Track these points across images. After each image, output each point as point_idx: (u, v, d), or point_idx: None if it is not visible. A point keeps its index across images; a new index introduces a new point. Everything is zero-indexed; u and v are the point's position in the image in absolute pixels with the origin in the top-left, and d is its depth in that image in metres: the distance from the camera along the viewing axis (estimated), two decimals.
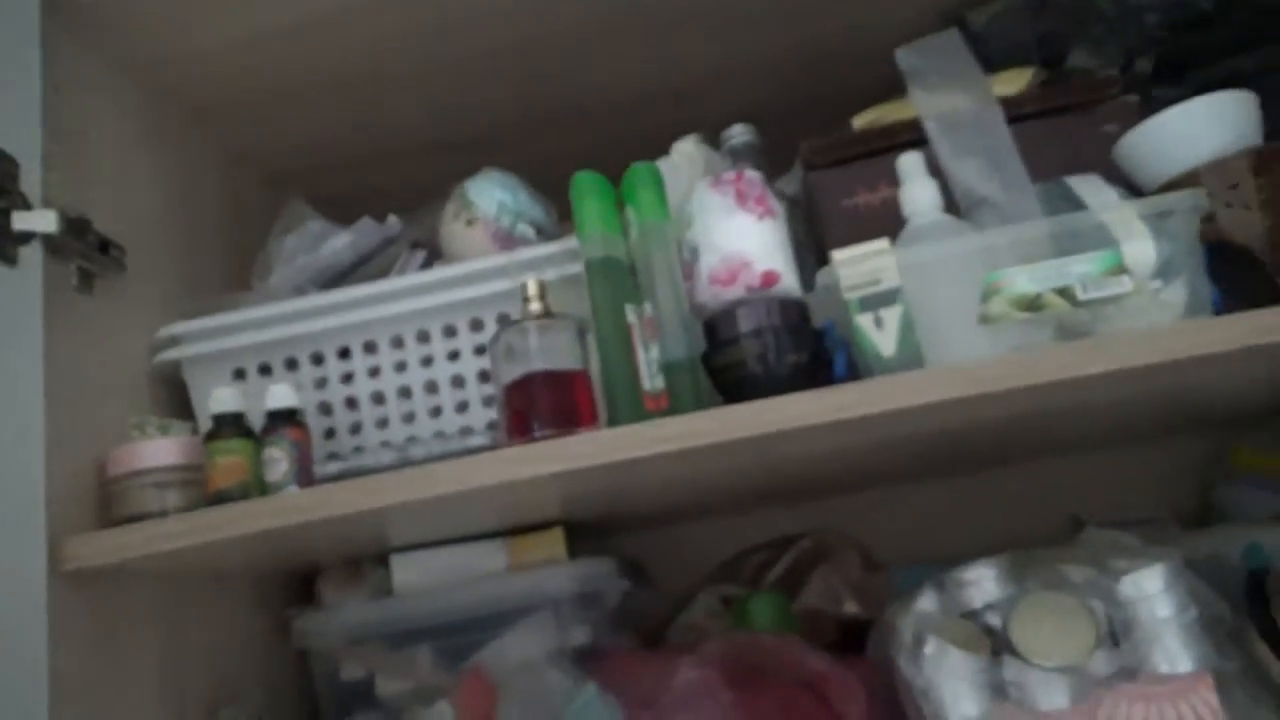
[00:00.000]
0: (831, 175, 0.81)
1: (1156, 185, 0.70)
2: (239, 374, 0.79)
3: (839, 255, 0.63)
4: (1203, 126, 0.68)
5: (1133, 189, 0.73)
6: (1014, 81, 0.81)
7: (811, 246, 0.84)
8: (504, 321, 0.76)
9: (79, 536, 0.64)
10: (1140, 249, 0.60)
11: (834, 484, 1.11)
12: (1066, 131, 0.78)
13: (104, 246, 0.73)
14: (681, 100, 0.99)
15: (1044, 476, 1.15)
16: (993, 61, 0.95)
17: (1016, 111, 0.78)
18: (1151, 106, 0.73)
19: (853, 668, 0.81)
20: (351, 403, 0.79)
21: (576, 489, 0.70)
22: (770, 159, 0.89)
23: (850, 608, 1.08)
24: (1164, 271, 0.60)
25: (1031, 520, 1.10)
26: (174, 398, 0.81)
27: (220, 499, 0.66)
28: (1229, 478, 1.06)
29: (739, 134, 0.86)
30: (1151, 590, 0.60)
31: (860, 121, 0.85)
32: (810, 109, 0.97)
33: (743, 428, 0.59)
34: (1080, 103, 0.79)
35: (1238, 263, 0.66)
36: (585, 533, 1.05)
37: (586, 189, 0.68)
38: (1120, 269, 0.60)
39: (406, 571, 0.89)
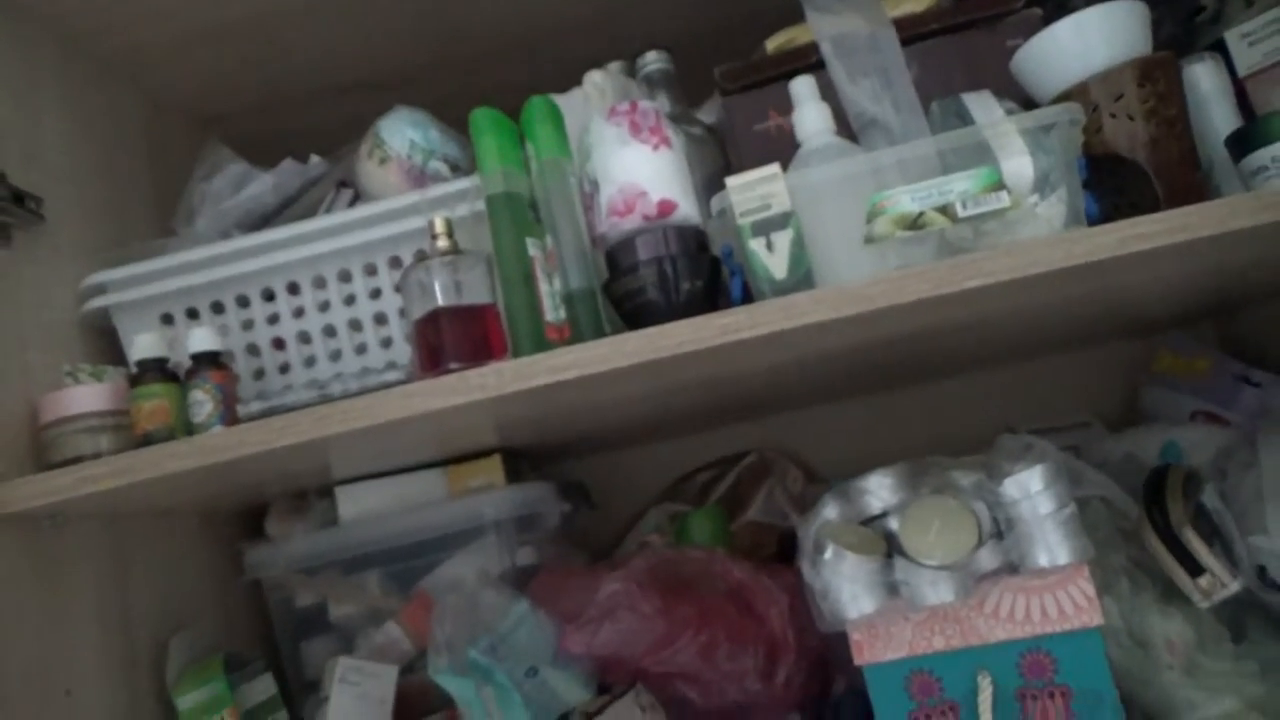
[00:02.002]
0: (744, 100, 0.82)
1: (1051, 98, 0.71)
2: (167, 319, 0.80)
3: (731, 181, 0.65)
4: (1094, 38, 0.69)
5: (1030, 103, 0.74)
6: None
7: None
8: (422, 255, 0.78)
9: (10, 482, 0.67)
10: (1018, 164, 0.62)
11: (775, 402, 1.14)
12: (972, 48, 0.79)
13: (19, 198, 0.74)
14: (597, 30, 0.99)
15: (978, 387, 1.19)
16: None
17: (921, 29, 0.79)
18: (1063, 15, 0.74)
19: (778, 576, 0.85)
20: (279, 343, 0.81)
21: (491, 418, 0.73)
22: (697, 86, 0.90)
23: (793, 520, 1.12)
24: (1042, 185, 0.62)
25: (967, 429, 1.13)
26: (108, 344, 0.83)
27: (146, 441, 0.69)
28: (1152, 381, 1.09)
29: (653, 61, 0.87)
30: (1033, 489, 0.63)
31: (773, 44, 0.85)
32: (731, 33, 0.97)
33: (636, 353, 0.62)
34: (984, 18, 0.79)
35: (1123, 173, 0.67)
36: (533, 458, 1.09)
37: (485, 126, 0.69)
38: (999, 185, 0.61)
39: (351, 502, 0.92)
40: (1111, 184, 0.67)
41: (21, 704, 0.66)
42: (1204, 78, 0.76)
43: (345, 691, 0.81)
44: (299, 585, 0.93)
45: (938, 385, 1.20)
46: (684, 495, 1.18)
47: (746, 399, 1.05)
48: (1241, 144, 0.68)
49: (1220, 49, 0.81)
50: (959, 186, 0.61)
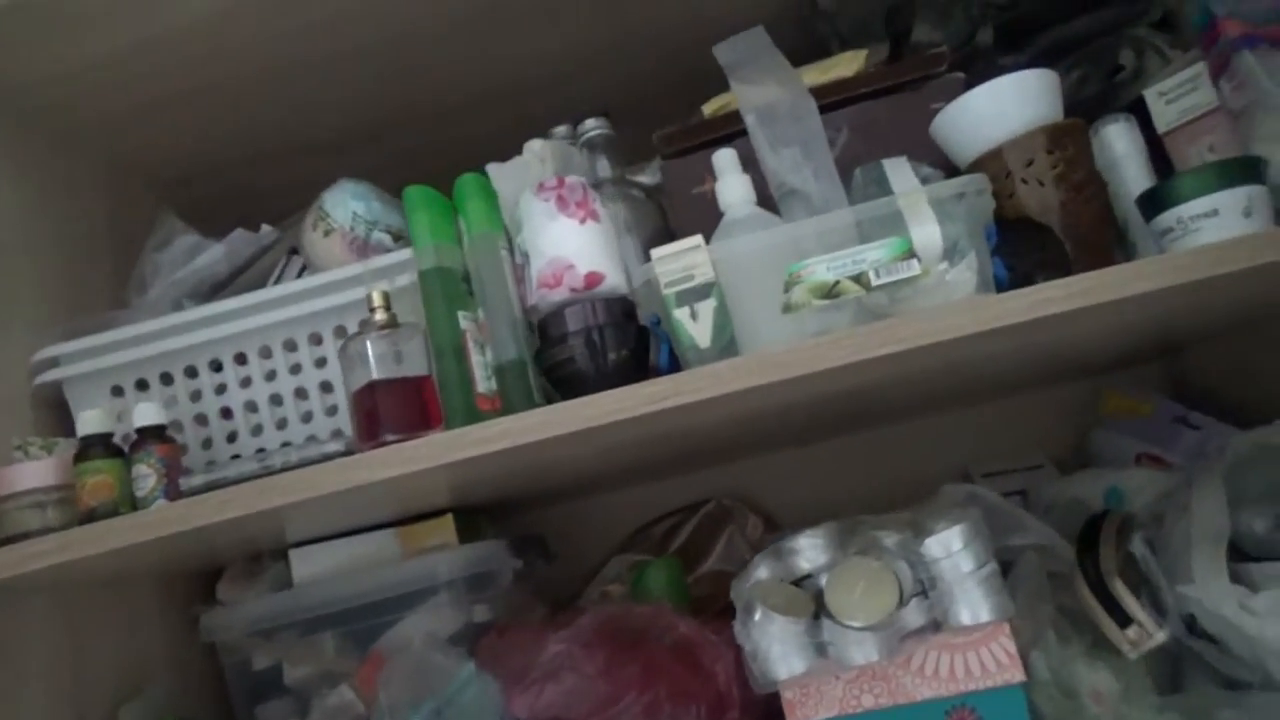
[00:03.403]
0: (681, 164, 0.84)
1: (969, 162, 0.74)
2: (117, 391, 0.82)
3: (656, 253, 0.67)
4: (1007, 105, 0.71)
5: (951, 167, 0.76)
6: (851, 64, 0.84)
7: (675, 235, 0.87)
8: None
9: None
10: (928, 233, 0.64)
11: (733, 450, 1.16)
12: (899, 111, 0.81)
13: None
14: (552, 90, 1.02)
15: (935, 430, 1.20)
16: (844, 38, 0.98)
17: (850, 93, 0.81)
18: (993, 77, 0.76)
19: (724, 630, 0.86)
20: (226, 412, 0.82)
21: (437, 483, 0.74)
22: (637, 148, 0.92)
23: None
24: (951, 253, 0.64)
25: (924, 472, 1.14)
26: (61, 415, 0.84)
27: (89, 518, 0.70)
28: (1100, 423, 1.11)
29: (594, 127, 0.89)
30: (954, 548, 0.65)
31: (710, 108, 0.87)
32: (670, 96, 1.00)
33: (565, 423, 0.63)
34: (909, 80, 0.82)
35: (1036, 237, 0.69)
36: (492, 512, 1.10)
37: (417, 203, 0.71)
38: (909, 253, 0.63)
39: (305, 564, 0.93)
40: (1025, 248, 0.69)
41: None
42: (1118, 139, 0.78)
43: None
44: (255, 648, 0.93)
45: (894, 428, 1.22)
46: (644, 544, 1.20)
47: (697, 450, 1.06)
48: (1151, 205, 0.70)
49: (1140, 107, 0.83)
50: (872, 255, 0.64)
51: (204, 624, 0.92)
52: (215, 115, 0.97)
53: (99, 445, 0.73)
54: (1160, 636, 0.71)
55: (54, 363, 0.81)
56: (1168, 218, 0.69)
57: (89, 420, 0.73)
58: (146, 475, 0.72)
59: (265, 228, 0.91)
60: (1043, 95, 0.72)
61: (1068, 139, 0.70)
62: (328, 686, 0.91)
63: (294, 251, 0.93)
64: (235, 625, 0.92)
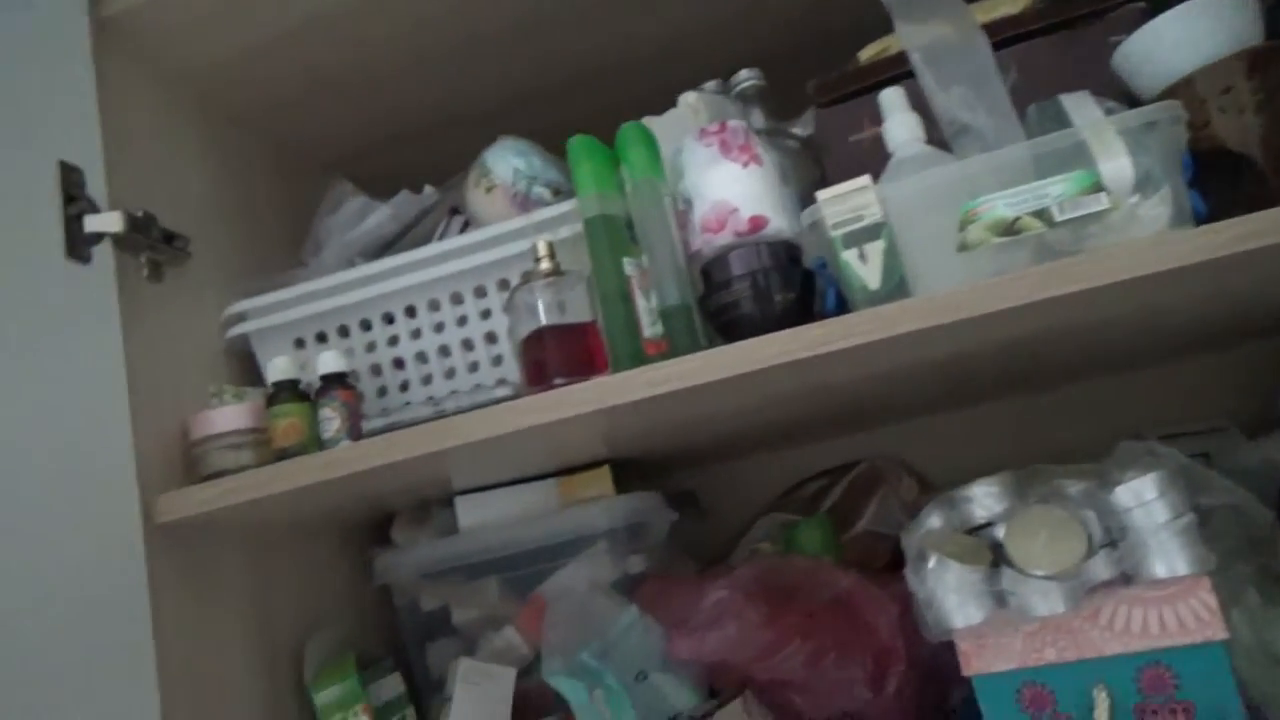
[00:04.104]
0: (838, 112, 0.82)
1: (1155, 94, 0.69)
2: (299, 343, 0.87)
3: (822, 194, 0.66)
4: (1199, 30, 0.67)
5: (1136, 101, 0.72)
6: (1016, 0, 0.80)
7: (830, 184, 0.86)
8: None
9: (166, 494, 0.74)
10: (1117, 165, 0.60)
11: (886, 411, 1.13)
12: (1074, 46, 0.77)
13: (169, 238, 0.81)
14: (691, 54, 1.01)
15: (1102, 394, 1.14)
16: None
17: (1019, 30, 0.77)
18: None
19: (887, 585, 0.85)
20: (399, 363, 0.86)
21: (597, 431, 0.76)
22: (793, 100, 0.91)
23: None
24: (1144, 185, 0.60)
25: (1091, 436, 1.08)
26: (249, 367, 0.90)
27: (282, 456, 0.75)
28: None
29: (746, 79, 0.88)
30: (1147, 497, 0.61)
31: (866, 55, 0.85)
32: (823, 47, 0.97)
33: (731, 366, 0.63)
34: (1084, 15, 0.77)
35: (1232, 169, 0.65)
36: (643, 470, 1.11)
37: (581, 153, 0.72)
38: (1097, 187, 0.60)
39: (469, 512, 0.97)
40: (1221, 182, 0.64)
41: (178, 695, 0.73)
42: None
43: (467, 692, 0.85)
44: (423, 590, 0.98)
45: (1059, 391, 1.16)
46: (794, 505, 1.19)
47: (854, 409, 1.04)
48: None
49: None
50: (1055, 190, 0.61)
51: (377, 566, 0.97)
52: (371, 97, 1.01)
53: (288, 390, 0.77)
54: None
55: (242, 317, 0.87)
56: None
57: (278, 367, 0.78)
58: (331, 418, 0.76)
59: (427, 189, 0.95)
60: (1238, 19, 0.67)
61: (1271, 63, 0.65)
62: (493, 629, 0.94)
63: (455, 211, 0.96)
64: (405, 568, 0.96)
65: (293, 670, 0.86)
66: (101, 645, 0.68)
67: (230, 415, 0.79)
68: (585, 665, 0.75)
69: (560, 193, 0.85)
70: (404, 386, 0.86)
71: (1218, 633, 0.61)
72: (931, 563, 0.65)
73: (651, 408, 0.68)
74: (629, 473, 1.00)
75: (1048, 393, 1.17)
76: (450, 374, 0.85)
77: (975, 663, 0.66)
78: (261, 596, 0.85)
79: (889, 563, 1.07)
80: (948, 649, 0.82)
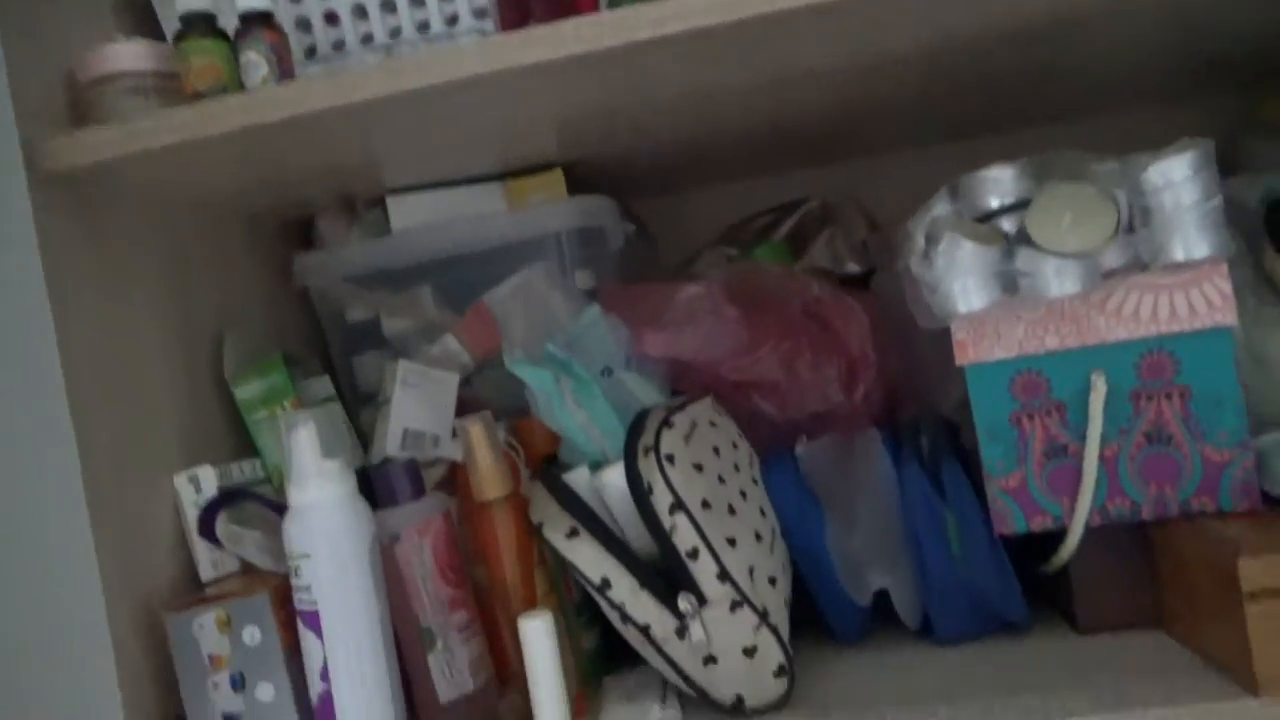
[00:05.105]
0: None
1: None
2: None
3: None
4: None
5: None
6: None
7: None
8: None
9: (56, 138, 0.61)
10: None
11: (841, 146, 1.08)
12: None
13: None
14: None
15: (1059, 140, 1.10)
16: None
17: None
18: None
19: (858, 297, 0.81)
20: (331, 18, 0.73)
21: (559, 106, 0.67)
22: None
23: (851, 267, 1.08)
24: None
25: None
26: (145, 17, 0.75)
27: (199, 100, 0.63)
28: (1250, 132, 1.02)
29: None
30: (1178, 177, 0.58)
31: None
32: None
33: (740, 7, 0.55)
34: None
35: None
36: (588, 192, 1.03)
37: None
38: None
39: (403, 213, 0.87)
40: None
41: (84, 371, 0.63)
42: None
43: (407, 394, 0.78)
44: (350, 298, 0.89)
45: (1014, 135, 1.13)
46: (740, 239, 1.13)
47: (813, 139, 0.98)
48: None
49: None
50: None
51: (298, 266, 0.88)
52: None
53: (202, 24, 0.64)
54: None
55: None
56: None
57: None
58: (256, 63, 0.64)
59: None
60: None
61: None
62: (427, 340, 0.87)
63: None
64: (330, 269, 0.87)
65: (214, 365, 0.77)
66: None
67: (130, 53, 0.66)
68: (551, 355, 0.69)
69: None
70: (338, 46, 0.74)
71: (1228, 317, 0.59)
72: (944, 242, 0.60)
73: (638, 68, 0.60)
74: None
75: (1004, 135, 1.13)
76: (394, 33, 0.73)
77: (971, 351, 0.63)
78: (174, 278, 0.75)
79: None
80: (907, 370, 0.80)
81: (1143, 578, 0.63)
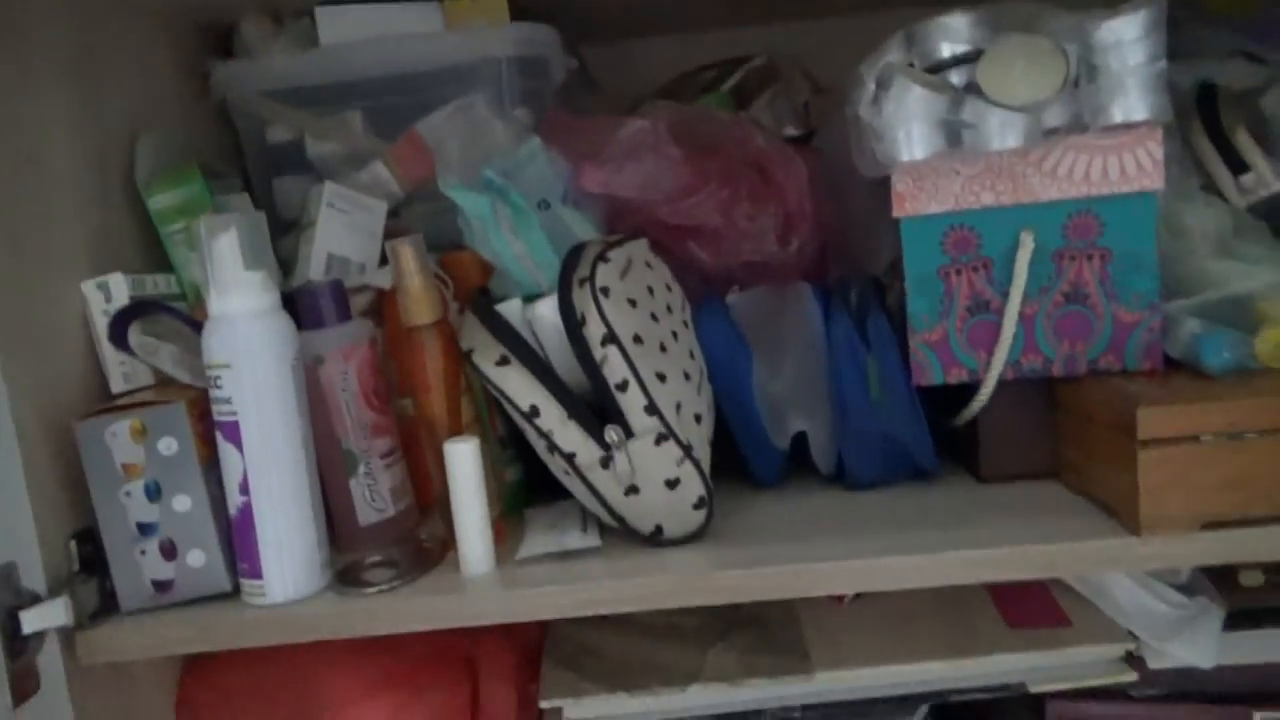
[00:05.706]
0: None
1: None
2: None
3: None
4: None
5: None
6: None
7: None
8: None
9: None
10: None
11: (794, 2, 1.05)
12: None
13: None
14: None
15: None
16: None
17: None
18: None
19: (799, 150, 0.81)
20: None
21: None
22: None
23: (790, 130, 1.07)
24: None
25: None
26: None
27: None
28: (1197, 18, 1.03)
29: None
30: (1128, 36, 0.58)
31: None
32: None
33: None
34: None
35: None
36: None
37: None
38: None
39: (333, 27, 0.82)
40: None
41: None
42: None
43: (333, 218, 0.76)
44: (272, 115, 0.84)
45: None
46: (684, 92, 1.11)
47: None
48: None
49: None
50: None
51: (216, 76, 0.82)
52: None
53: None
54: (1277, 186, 0.68)
55: None
56: None
57: None
58: None
59: None
60: None
61: None
62: (354, 166, 0.84)
63: None
64: (250, 81, 0.82)
65: (126, 172, 0.72)
66: None
67: None
68: (489, 181, 0.67)
69: None
70: None
71: (1155, 182, 0.61)
72: (894, 87, 0.60)
73: None
74: None
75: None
76: None
77: (909, 204, 0.64)
78: (82, 74, 0.69)
79: None
80: (842, 228, 0.81)
81: (1045, 431, 0.67)
